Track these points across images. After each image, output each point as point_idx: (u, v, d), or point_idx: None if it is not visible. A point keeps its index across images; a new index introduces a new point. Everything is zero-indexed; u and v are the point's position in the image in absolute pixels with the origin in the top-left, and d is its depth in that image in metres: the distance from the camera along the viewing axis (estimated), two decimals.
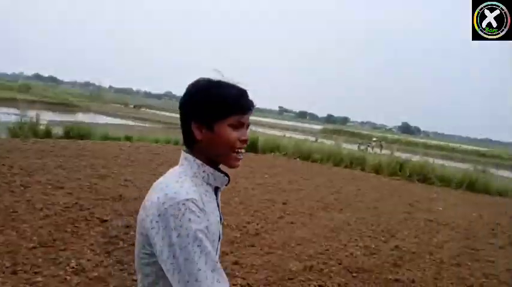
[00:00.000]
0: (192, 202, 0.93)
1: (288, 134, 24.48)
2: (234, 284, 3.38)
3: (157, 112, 43.52)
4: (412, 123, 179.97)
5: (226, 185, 1.10)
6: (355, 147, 22.80)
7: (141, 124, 22.73)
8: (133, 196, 5.68)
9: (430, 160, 13.96)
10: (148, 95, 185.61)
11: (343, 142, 17.34)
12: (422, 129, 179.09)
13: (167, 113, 43.04)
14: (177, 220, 0.90)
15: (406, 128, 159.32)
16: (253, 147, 14.29)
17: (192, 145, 1.07)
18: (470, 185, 11.92)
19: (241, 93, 1.04)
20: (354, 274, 4.02)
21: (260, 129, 27.62)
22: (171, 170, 1.07)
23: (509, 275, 4.61)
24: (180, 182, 0.98)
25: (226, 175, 1.08)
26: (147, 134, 13.76)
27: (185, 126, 1.06)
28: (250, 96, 1.07)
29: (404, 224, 6.41)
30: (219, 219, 1.07)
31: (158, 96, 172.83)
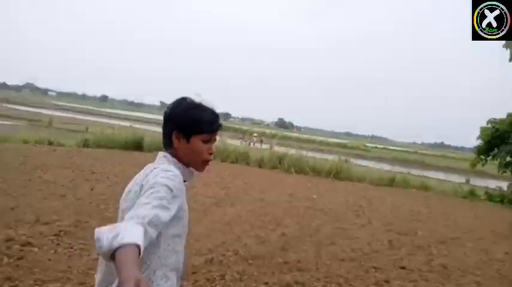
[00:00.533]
0: (179, 178, 1.21)
1: None
2: None
3: (19, 107, 37.89)
4: (287, 119, 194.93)
5: (190, 180, 1.40)
6: (237, 142, 23.87)
7: (1, 122, 19.64)
8: (10, 206, 5.12)
9: (304, 152, 15.65)
10: (3, 86, 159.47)
11: (227, 138, 18.07)
12: (295, 124, 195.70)
13: (32, 109, 37.88)
14: (166, 173, 1.18)
15: (281, 124, 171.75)
16: (138, 146, 13.85)
17: (169, 148, 1.33)
18: (336, 174, 13.81)
19: (215, 117, 1.34)
20: (250, 261, 4.45)
21: (145, 127, 26.57)
22: (148, 165, 1.30)
23: (370, 247, 5.65)
24: (167, 166, 1.25)
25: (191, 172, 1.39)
26: (10, 133, 12.07)
27: (167, 133, 1.32)
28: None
29: (287, 213, 7.19)
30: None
31: (17, 88, 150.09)
